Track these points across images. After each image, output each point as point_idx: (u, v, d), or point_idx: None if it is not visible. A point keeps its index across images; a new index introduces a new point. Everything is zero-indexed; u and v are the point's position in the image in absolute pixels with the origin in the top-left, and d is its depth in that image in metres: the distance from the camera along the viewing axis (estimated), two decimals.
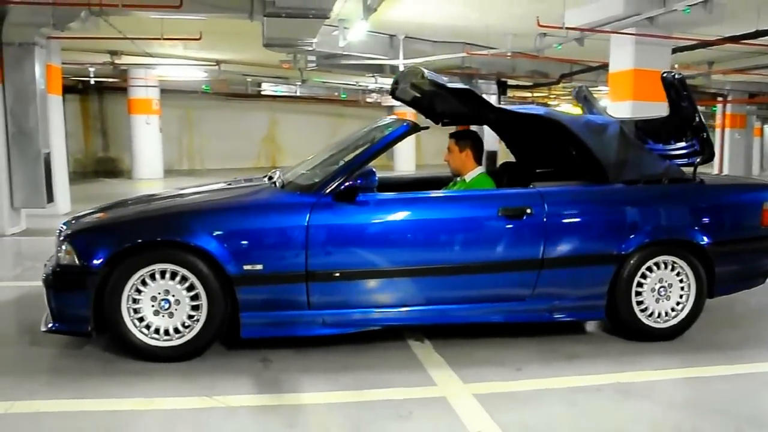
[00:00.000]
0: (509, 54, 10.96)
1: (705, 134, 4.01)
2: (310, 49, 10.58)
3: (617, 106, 8.67)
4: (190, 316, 3.44)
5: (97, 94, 20.15)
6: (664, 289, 3.89)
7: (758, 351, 3.84)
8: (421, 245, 3.59)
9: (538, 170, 4.52)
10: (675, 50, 9.09)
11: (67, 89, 18.78)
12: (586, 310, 3.83)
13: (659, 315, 3.90)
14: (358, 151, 3.74)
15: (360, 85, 19.03)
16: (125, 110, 17.37)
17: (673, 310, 3.92)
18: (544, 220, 3.66)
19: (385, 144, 3.74)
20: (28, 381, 3.22)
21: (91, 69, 15.88)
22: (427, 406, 2.98)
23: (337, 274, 3.48)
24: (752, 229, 4.12)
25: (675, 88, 3.99)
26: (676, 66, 11.35)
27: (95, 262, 3.35)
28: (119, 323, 3.39)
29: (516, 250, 3.65)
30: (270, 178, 4.13)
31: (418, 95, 4.27)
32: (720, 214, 4.04)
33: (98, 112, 20.49)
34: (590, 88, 16.29)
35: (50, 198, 7.75)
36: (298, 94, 20.71)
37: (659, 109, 8.33)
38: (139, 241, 3.39)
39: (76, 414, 2.87)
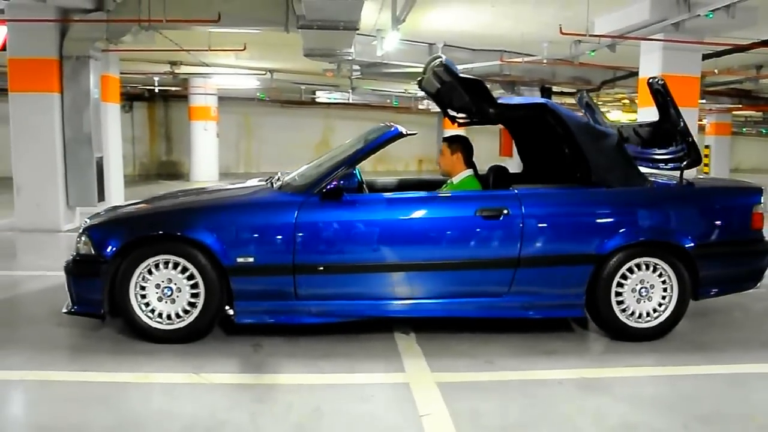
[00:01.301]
0: (545, 61, 11.00)
1: (690, 138, 4.09)
2: (350, 58, 11.00)
3: (644, 112, 8.67)
4: (191, 303, 3.80)
5: (163, 102, 21.28)
6: (645, 290, 3.98)
7: (740, 353, 3.86)
8: (401, 242, 3.83)
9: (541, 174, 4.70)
10: (709, 56, 8.95)
11: (135, 97, 20.12)
12: (563, 308, 3.97)
13: (640, 315, 3.99)
14: (347, 155, 4.02)
15: (409, 93, 19.31)
16: (187, 117, 18.34)
17: (655, 311, 4.01)
18: (521, 220, 3.83)
19: (371, 148, 4.01)
20: (47, 354, 3.67)
21: (156, 78, 16.85)
22: (388, 391, 3.21)
23: (321, 268, 3.77)
24: (740, 232, 4.16)
25: (660, 94, 4.09)
26: (715, 71, 11.11)
27: (108, 252, 3.76)
28: (128, 308, 3.78)
29: (492, 249, 3.84)
30: (270, 179, 4.46)
31: (438, 86, 4.46)
32: (705, 216, 4.10)
33: (164, 119, 21.61)
34: (632, 94, 15.95)
35: (101, 197, 8.36)
36: (350, 101, 21.26)
37: (689, 114, 8.29)
38: (146, 234, 3.78)
39: (77, 383, 3.28)
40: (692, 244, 3.97)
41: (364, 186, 4.40)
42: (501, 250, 3.84)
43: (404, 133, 4.05)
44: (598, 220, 3.96)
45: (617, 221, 3.95)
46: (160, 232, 3.80)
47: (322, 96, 21.40)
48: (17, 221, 8.06)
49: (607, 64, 12.29)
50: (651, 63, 8.60)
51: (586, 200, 4.02)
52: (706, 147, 17.72)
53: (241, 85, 17.69)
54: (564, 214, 3.96)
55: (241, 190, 4.36)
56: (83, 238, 3.86)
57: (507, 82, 14.64)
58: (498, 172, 4.28)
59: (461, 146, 4.36)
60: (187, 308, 3.80)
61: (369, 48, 11.04)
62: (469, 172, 4.35)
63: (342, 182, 3.77)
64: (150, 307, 3.80)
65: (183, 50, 10.57)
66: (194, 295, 3.79)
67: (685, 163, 4.16)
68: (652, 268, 3.99)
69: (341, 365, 3.55)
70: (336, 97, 21.18)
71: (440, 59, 4.03)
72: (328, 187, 3.80)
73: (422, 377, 3.39)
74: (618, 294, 3.96)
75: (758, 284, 4.29)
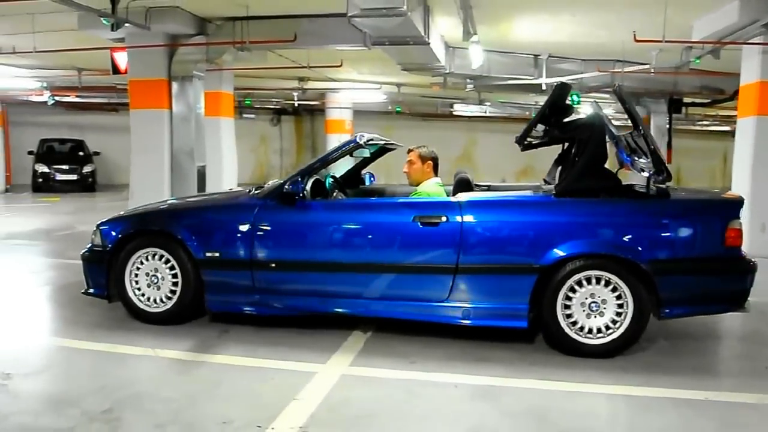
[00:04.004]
0: (653, 70, 10.35)
1: (652, 147, 3.90)
2: (446, 71, 11.25)
3: (742, 123, 7.96)
4: (172, 291, 4.38)
5: (309, 116, 22.94)
6: (596, 305, 3.86)
7: (681, 379, 3.58)
8: (344, 244, 4.13)
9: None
10: None
11: (283, 111, 21.90)
12: (505, 317, 3.95)
13: (590, 331, 3.88)
14: (308, 163, 4.39)
15: (539, 105, 18.94)
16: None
17: (608, 327, 3.87)
18: (460, 228, 3.92)
19: (332, 156, 4.37)
20: (64, 326, 4.53)
21: (295, 94, 18.25)
22: (290, 377, 3.51)
23: (273, 264, 4.17)
24: (711, 249, 3.86)
25: (622, 101, 3.97)
26: None
27: (111, 243, 4.47)
28: (124, 292, 4.46)
29: (430, 255, 3.98)
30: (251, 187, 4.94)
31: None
32: (668, 230, 3.88)
33: (309, 132, 23.29)
34: None
35: None
36: (488, 113, 21.32)
37: None
38: (139, 229, 4.46)
39: (61, 348, 4.03)
40: (649, 260, 3.78)
41: (337, 191, 4.73)
42: (438, 256, 3.96)
43: (362, 143, 4.33)
44: (543, 230, 3.91)
45: (562, 232, 3.88)
46: (150, 228, 4.45)
47: (459, 109, 21.70)
48: None
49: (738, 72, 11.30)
50: (751, 69, 7.87)
51: (531, 209, 4.01)
52: None
53: (370, 99, 18.48)
54: (506, 222, 3.97)
55: (226, 194, 4.90)
56: (96, 231, 4.61)
57: (630, 94, 13.89)
58: (460, 181, 4.38)
59: (431, 157, 4.53)
60: (169, 295, 4.39)
61: (468, 61, 11.19)
62: (437, 179, 4.50)
63: (291, 187, 4.14)
64: (141, 292, 4.44)
65: (282, 67, 11.46)
66: (175, 284, 4.37)
67: (651, 173, 3.98)
68: (603, 283, 3.86)
69: (277, 353, 3.90)
70: (474, 109, 21.33)
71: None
72: (282, 192, 4.19)
73: (335, 369, 3.64)
74: (567, 307, 3.88)
75: (743, 307, 3.93)
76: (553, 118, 4.44)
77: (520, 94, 15.15)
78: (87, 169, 16.83)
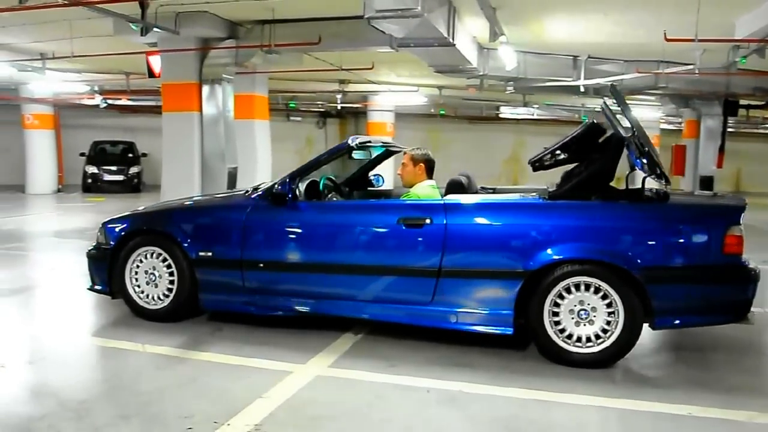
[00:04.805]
0: (697, 71, 9.91)
1: (646, 149, 3.74)
2: (480, 73, 11.10)
3: None
4: (169, 289, 4.47)
5: (354, 118, 23.09)
6: (585, 313, 3.73)
7: (670, 392, 3.40)
8: (329, 246, 4.11)
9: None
10: None
11: (328, 114, 22.15)
12: (490, 322, 3.85)
13: (579, 339, 3.75)
14: (300, 166, 4.40)
15: (586, 107, 18.52)
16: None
17: (598, 336, 3.73)
18: (444, 230, 3.86)
19: (323, 159, 4.37)
20: (64, 319, 4.68)
21: (338, 96, 18.37)
22: (266, 376, 3.52)
23: (261, 265, 4.20)
24: (709, 256, 3.66)
25: (616, 100, 3.84)
26: None
27: (113, 242, 4.59)
28: (125, 289, 4.57)
29: (413, 257, 3.93)
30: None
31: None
32: (662, 236, 3.70)
33: (354, 134, 23.32)
34: None
35: None
36: (535, 116, 21.01)
37: None
38: (138, 228, 4.57)
39: (58, 341, 4.16)
40: (641, 267, 3.63)
41: (333, 193, 4.73)
42: (422, 259, 3.90)
43: (354, 146, 4.31)
44: (529, 234, 3.79)
45: (549, 236, 3.76)
46: (149, 227, 4.55)
47: (506, 112, 21.44)
48: None
49: None
50: None
51: (518, 212, 3.90)
52: None
53: (411, 101, 18.41)
54: (491, 225, 3.88)
55: (224, 195, 4.96)
56: (101, 230, 4.74)
57: (678, 96, 13.43)
58: (453, 183, 4.31)
59: (424, 159, 4.48)
60: (166, 293, 4.47)
61: (503, 63, 11.01)
62: (430, 182, 4.44)
63: (280, 188, 4.16)
64: (140, 289, 4.55)
65: (314, 70, 11.53)
66: (172, 282, 4.45)
67: (646, 175, 3.83)
68: (593, 290, 3.72)
69: (261, 352, 3.93)
70: (521, 112, 21.03)
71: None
72: (272, 192, 4.21)
73: (312, 370, 3.64)
74: (555, 314, 3.76)
75: (746, 319, 3.71)
76: (575, 146, 4.27)
77: (563, 95, 14.80)
78: (133, 170, 17.38)
